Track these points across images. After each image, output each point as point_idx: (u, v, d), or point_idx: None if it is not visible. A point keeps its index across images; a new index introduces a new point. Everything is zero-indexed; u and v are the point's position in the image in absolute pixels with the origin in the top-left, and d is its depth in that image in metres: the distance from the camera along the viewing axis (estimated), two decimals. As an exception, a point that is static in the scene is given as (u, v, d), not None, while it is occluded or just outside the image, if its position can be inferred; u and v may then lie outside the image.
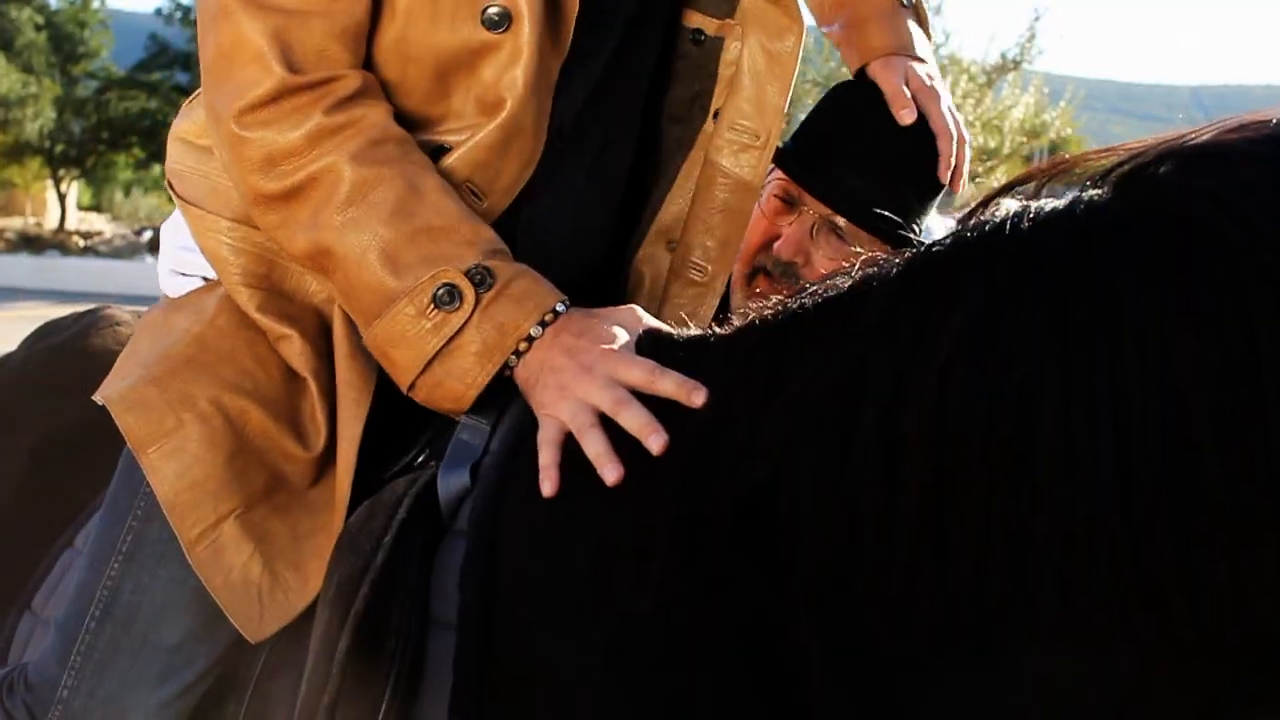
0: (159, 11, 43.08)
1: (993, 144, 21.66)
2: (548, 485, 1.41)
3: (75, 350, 2.20)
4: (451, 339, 1.48)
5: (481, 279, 1.49)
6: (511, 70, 1.57)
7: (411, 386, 1.52)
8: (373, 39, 1.60)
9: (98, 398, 1.63)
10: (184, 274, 1.75)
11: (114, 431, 1.63)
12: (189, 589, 1.60)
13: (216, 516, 1.56)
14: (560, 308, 1.51)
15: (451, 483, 1.50)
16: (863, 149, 2.11)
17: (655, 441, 1.38)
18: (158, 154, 41.39)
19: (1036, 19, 21.25)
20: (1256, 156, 1.14)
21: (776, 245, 2.19)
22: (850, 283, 1.36)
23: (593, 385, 1.45)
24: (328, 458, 1.61)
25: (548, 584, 1.39)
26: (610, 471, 1.38)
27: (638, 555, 1.33)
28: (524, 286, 1.51)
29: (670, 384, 1.42)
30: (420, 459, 1.59)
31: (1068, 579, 1.14)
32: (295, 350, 1.61)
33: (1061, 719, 1.18)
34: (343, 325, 1.59)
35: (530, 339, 1.49)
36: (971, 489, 1.17)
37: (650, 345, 1.50)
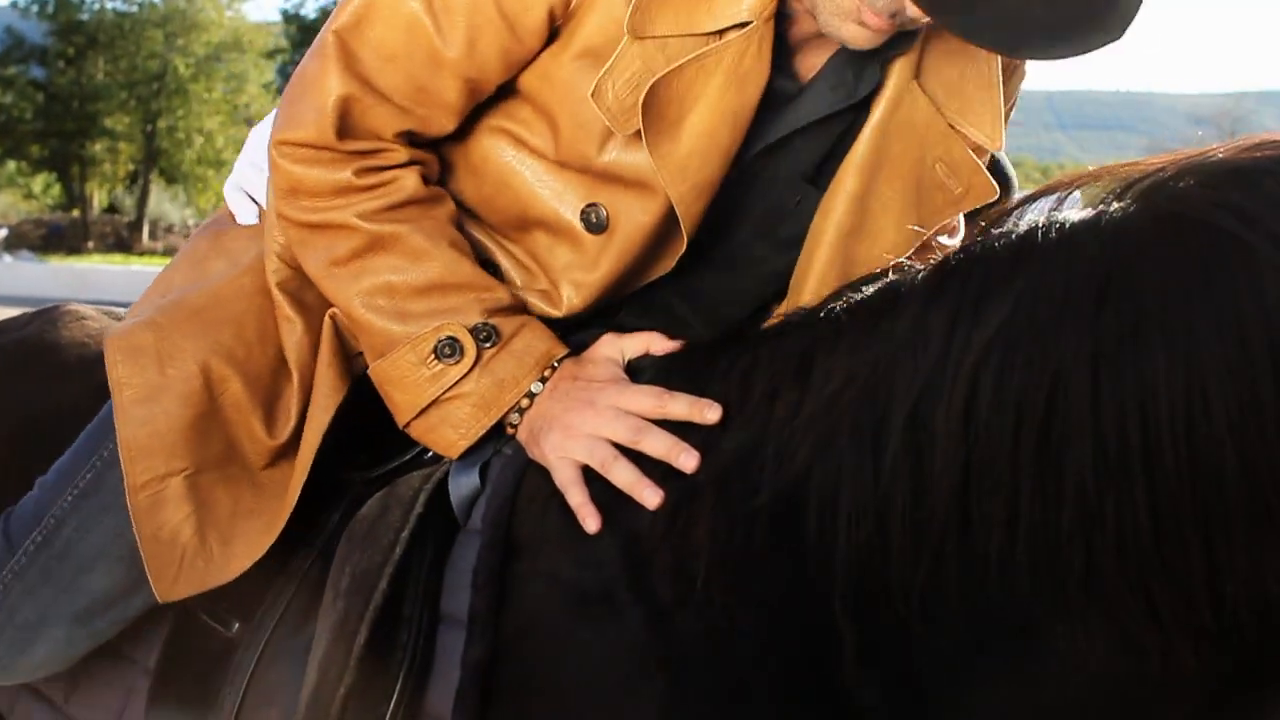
0: (15, 4, 43.50)
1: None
2: (592, 523, 1.40)
3: (41, 343, 2.14)
4: (449, 389, 1.50)
5: (487, 335, 1.50)
6: (586, 274, 1.57)
7: (407, 425, 1.54)
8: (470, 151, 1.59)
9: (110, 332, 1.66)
10: (244, 190, 1.77)
11: (88, 418, 1.73)
12: (126, 543, 1.61)
13: (166, 470, 1.58)
14: (558, 362, 1.51)
15: (463, 483, 1.52)
16: None
17: (687, 461, 1.38)
18: (13, 150, 41.96)
19: None
20: (1276, 174, 1.18)
21: None
22: (879, 290, 1.38)
23: (601, 419, 1.44)
24: (290, 449, 1.61)
25: (572, 580, 1.40)
26: (651, 497, 1.38)
27: (677, 553, 1.35)
28: (526, 342, 1.52)
29: (681, 406, 1.42)
30: (431, 454, 1.58)
31: (1095, 569, 1.18)
32: (294, 338, 1.60)
33: (1090, 703, 1.23)
34: (330, 332, 1.59)
35: (531, 395, 1.50)
36: (1000, 486, 1.21)
37: (654, 367, 1.51)
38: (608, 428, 1.43)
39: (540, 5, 1.49)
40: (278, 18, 52.44)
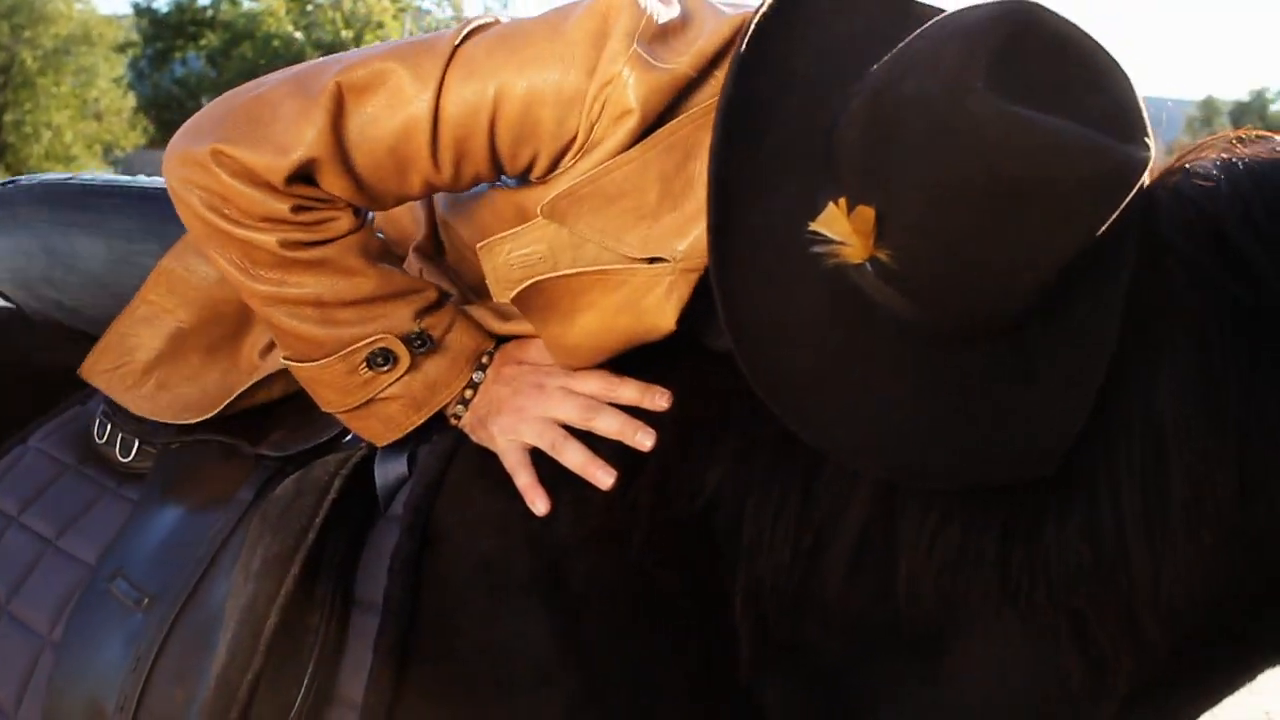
0: None
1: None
2: (540, 504, 1.38)
3: None
4: (381, 391, 1.47)
5: (421, 342, 1.47)
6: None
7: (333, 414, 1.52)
8: None
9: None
10: None
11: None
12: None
13: (173, 309, 1.74)
14: (490, 353, 1.50)
15: (390, 469, 1.52)
16: None
17: (644, 439, 1.35)
18: None
19: None
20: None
21: None
22: None
23: (551, 401, 1.41)
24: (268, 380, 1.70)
25: (491, 567, 1.39)
26: (604, 478, 1.36)
27: (612, 538, 1.35)
28: (456, 340, 1.49)
29: (631, 390, 1.38)
30: (350, 437, 1.58)
31: (1009, 585, 1.19)
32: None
33: (995, 714, 1.25)
34: None
35: (474, 385, 1.48)
36: (908, 510, 1.21)
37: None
38: (559, 409, 1.42)
39: (528, 153, 1.39)
40: (129, 11, 51.25)
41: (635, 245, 1.38)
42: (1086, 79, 1.07)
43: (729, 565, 1.32)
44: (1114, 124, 1.06)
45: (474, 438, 1.51)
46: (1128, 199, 1.07)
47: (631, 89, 1.32)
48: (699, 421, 1.38)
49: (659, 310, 1.39)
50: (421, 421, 1.50)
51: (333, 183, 1.42)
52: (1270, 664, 1.31)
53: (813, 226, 1.16)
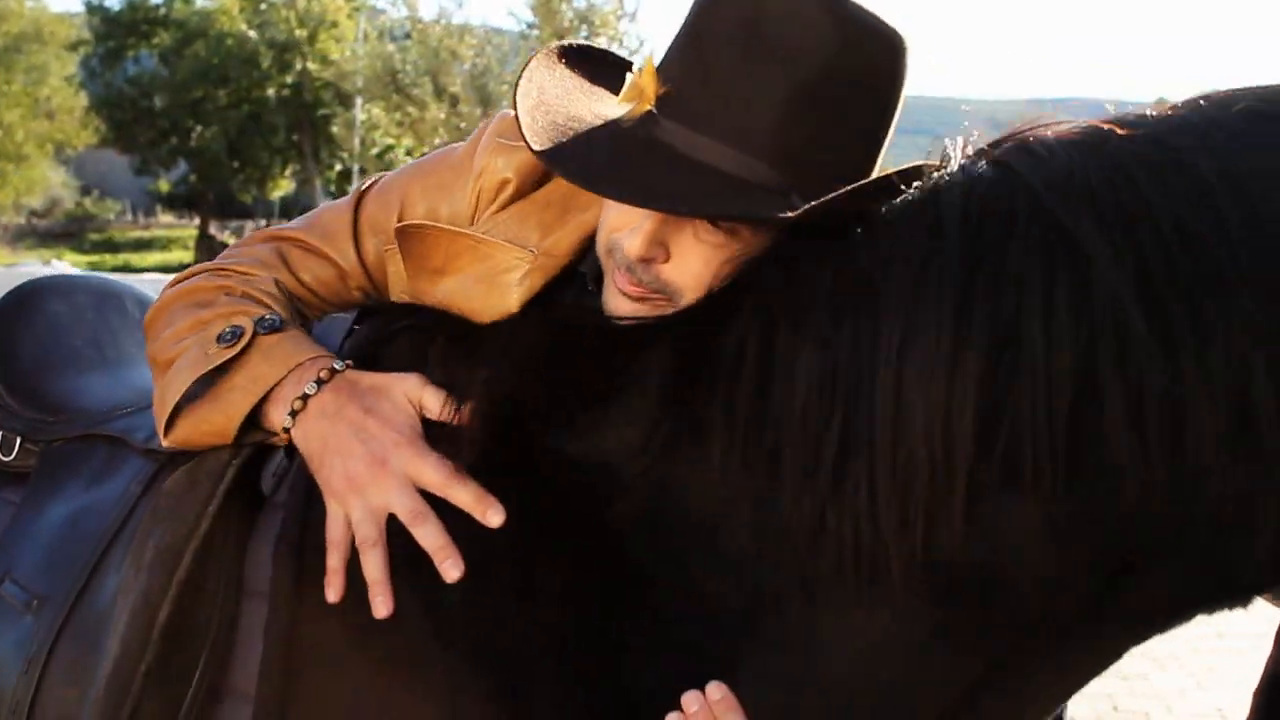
0: None
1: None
2: (333, 592, 1.37)
3: None
4: (224, 364, 1.50)
5: (268, 325, 1.52)
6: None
7: (175, 413, 1.52)
8: None
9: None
10: None
11: None
12: None
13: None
14: (327, 372, 1.47)
15: (275, 459, 1.51)
16: None
17: (451, 569, 1.34)
18: None
19: None
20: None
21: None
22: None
23: (389, 487, 1.39)
24: None
25: None
26: (451, 569, 1.35)
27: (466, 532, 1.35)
28: (299, 336, 1.53)
29: (467, 496, 1.36)
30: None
31: (845, 546, 1.22)
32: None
33: (869, 677, 1.27)
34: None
35: (305, 397, 1.46)
36: (760, 461, 1.26)
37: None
38: (394, 500, 1.39)
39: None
40: (80, 9, 50.77)
41: (507, 235, 1.58)
42: None
43: (589, 535, 1.35)
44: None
45: (310, 469, 1.47)
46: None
47: (503, 166, 1.59)
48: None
49: (508, 291, 1.54)
50: (250, 407, 1.49)
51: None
52: (1134, 642, 1.33)
53: (629, 81, 1.48)
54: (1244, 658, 5.41)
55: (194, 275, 1.68)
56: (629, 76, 1.50)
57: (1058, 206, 1.19)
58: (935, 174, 1.33)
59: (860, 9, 1.40)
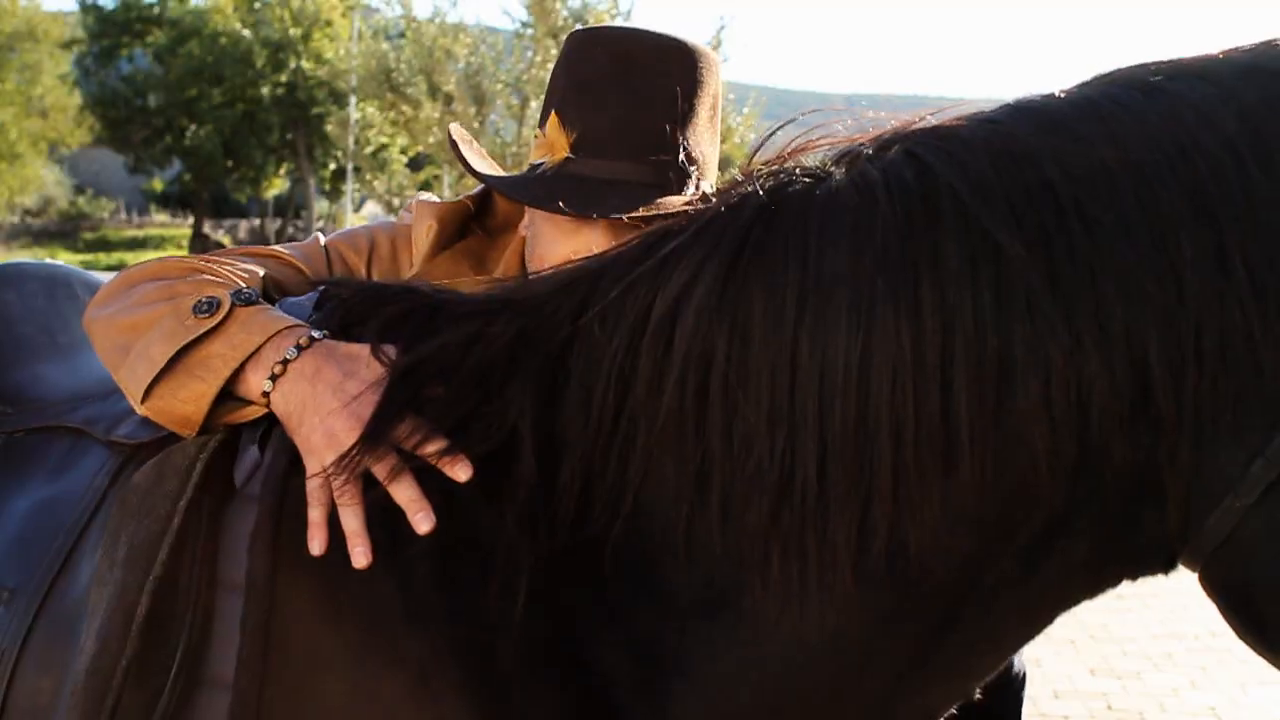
0: None
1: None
2: (316, 545, 1.40)
3: None
4: (202, 335, 1.52)
5: (244, 297, 1.57)
6: None
7: (154, 385, 1.53)
8: None
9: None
10: None
11: None
12: None
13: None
14: (307, 339, 1.51)
15: (249, 451, 1.52)
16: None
17: (422, 522, 1.37)
18: None
19: (722, 28, 22.26)
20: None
21: None
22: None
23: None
24: None
25: (340, 536, 1.40)
26: (423, 522, 1.37)
27: (445, 496, 1.37)
28: (267, 314, 1.56)
29: (435, 448, 1.39)
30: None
31: (777, 528, 1.27)
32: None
33: (810, 664, 1.32)
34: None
35: (285, 361, 1.49)
36: (674, 442, 1.32)
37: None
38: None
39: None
40: (74, 7, 50.65)
41: (446, 275, 1.88)
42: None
43: (554, 528, 1.38)
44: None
45: (289, 433, 1.49)
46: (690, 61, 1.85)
47: (429, 214, 1.97)
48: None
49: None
50: (224, 378, 1.51)
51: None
52: (1063, 607, 1.37)
53: (538, 134, 1.90)
54: (1237, 657, 5.32)
55: (157, 262, 1.75)
56: (538, 135, 1.91)
57: (980, 210, 1.25)
58: (830, 163, 1.40)
59: (690, 38, 1.89)
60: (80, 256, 42.58)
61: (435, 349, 1.45)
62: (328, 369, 1.48)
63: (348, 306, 1.60)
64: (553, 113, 1.88)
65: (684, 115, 1.84)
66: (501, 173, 2.02)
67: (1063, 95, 1.32)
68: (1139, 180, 1.22)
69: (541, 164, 1.88)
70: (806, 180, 1.37)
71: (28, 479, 1.78)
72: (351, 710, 1.38)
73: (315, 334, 1.53)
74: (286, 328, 1.54)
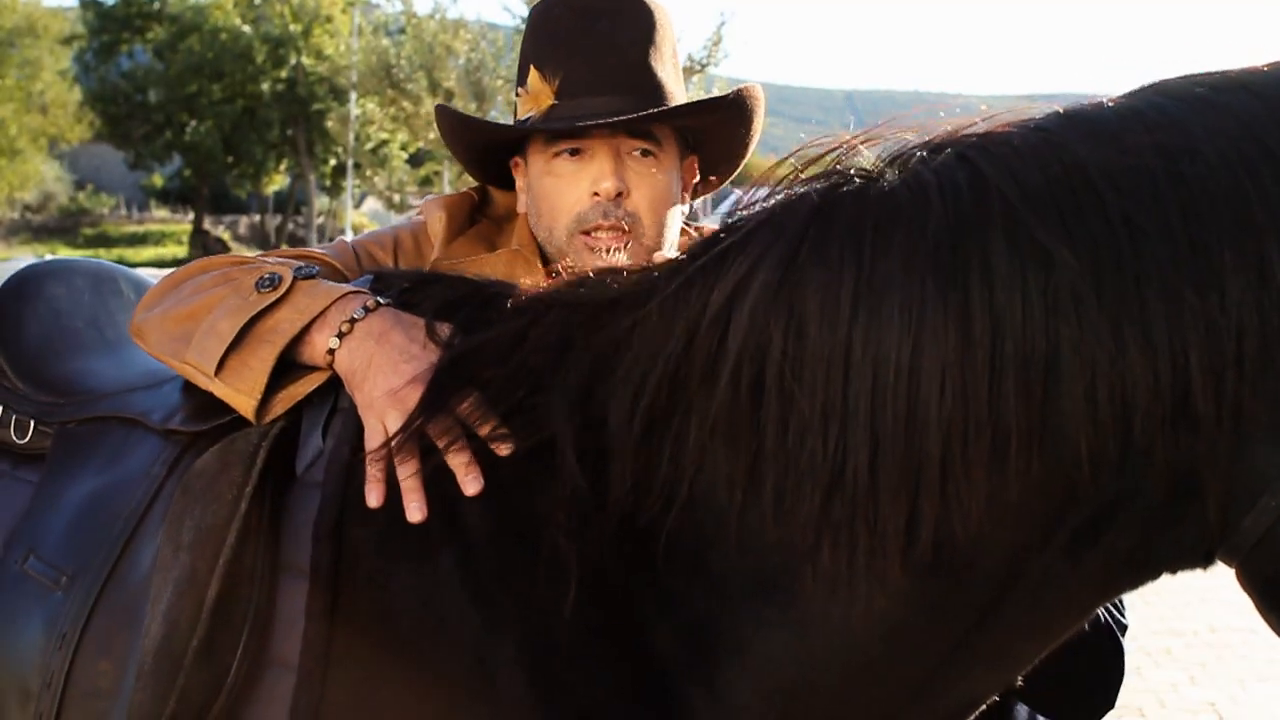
0: None
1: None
2: (374, 498, 1.46)
3: None
4: (266, 306, 1.59)
5: (305, 272, 1.64)
6: None
7: (225, 358, 1.58)
8: None
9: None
10: None
11: None
12: None
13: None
14: (375, 301, 1.58)
15: (311, 439, 1.56)
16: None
17: (471, 484, 1.43)
18: None
19: (722, 24, 21.59)
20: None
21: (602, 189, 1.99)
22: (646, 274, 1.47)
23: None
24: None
25: (398, 525, 1.44)
26: (472, 484, 1.43)
27: (501, 488, 1.43)
28: (315, 284, 1.62)
29: (489, 428, 1.44)
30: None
31: (829, 516, 1.30)
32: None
33: (857, 646, 1.35)
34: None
35: (353, 320, 1.55)
36: (740, 435, 1.34)
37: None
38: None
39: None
40: (74, 2, 50.62)
41: (465, 255, 2.05)
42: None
43: (605, 514, 1.41)
44: None
45: (349, 387, 1.55)
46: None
47: (437, 207, 2.10)
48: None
49: (511, 275, 1.89)
50: (300, 329, 1.57)
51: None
52: (1104, 598, 1.42)
53: (519, 92, 2.07)
54: (1236, 653, 5.42)
55: (201, 261, 1.82)
56: (520, 93, 2.04)
57: (1030, 217, 1.28)
58: (884, 166, 1.42)
59: None
60: (80, 252, 42.51)
61: (490, 338, 1.50)
62: (394, 332, 1.54)
63: (404, 288, 1.66)
64: (530, 67, 2.03)
65: (649, 54, 2.02)
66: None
67: (1110, 105, 1.36)
68: (1183, 192, 1.27)
69: (530, 116, 2.01)
70: (860, 180, 1.40)
71: (81, 468, 1.81)
72: (411, 690, 1.43)
73: (381, 299, 1.59)
74: (351, 293, 1.61)
